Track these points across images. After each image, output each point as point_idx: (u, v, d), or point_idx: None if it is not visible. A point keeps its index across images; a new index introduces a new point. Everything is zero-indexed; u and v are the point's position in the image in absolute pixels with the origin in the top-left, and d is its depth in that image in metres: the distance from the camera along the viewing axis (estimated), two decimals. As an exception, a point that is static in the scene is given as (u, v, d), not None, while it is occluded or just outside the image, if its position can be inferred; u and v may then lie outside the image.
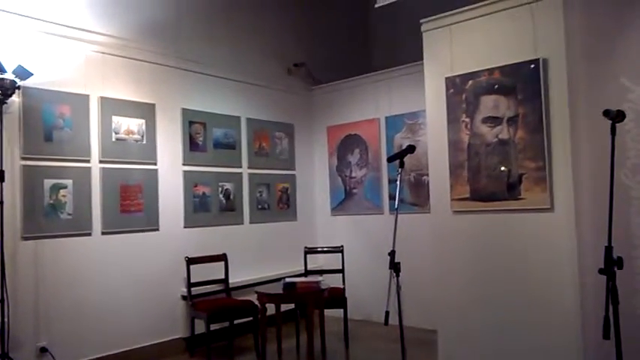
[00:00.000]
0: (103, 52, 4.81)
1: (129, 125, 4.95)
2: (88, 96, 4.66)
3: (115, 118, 4.84)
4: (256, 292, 4.63)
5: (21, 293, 4.12)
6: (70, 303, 4.41)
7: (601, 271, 2.57)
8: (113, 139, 4.82)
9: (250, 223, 6.09)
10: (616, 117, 2.70)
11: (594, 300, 3.38)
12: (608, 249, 2.56)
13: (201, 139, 5.63)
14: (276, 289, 4.63)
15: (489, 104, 4.24)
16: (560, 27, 3.89)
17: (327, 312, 4.99)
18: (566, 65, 3.86)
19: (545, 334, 3.89)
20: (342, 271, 5.49)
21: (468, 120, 4.35)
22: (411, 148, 3.41)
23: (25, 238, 4.19)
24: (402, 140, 6.05)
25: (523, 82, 4.05)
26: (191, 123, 5.54)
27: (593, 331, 3.42)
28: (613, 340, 2.52)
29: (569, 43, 3.85)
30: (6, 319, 3.84)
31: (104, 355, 4.58)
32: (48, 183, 4.35)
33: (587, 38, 3.77)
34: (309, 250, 5.72)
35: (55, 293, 4.33)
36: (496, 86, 4.18)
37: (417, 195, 5.88)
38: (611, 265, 2.54)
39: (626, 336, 2.65)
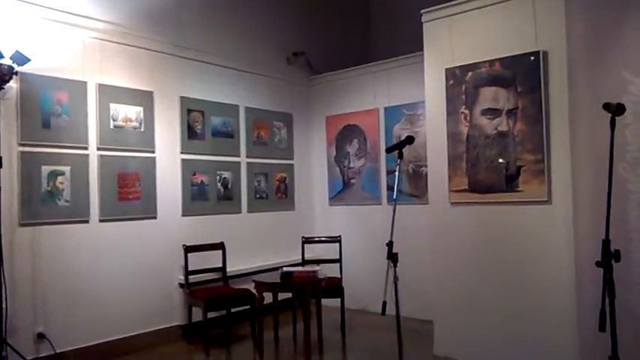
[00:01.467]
0: (101, 39, 4.78)
1: (127, 113, 4.92)
2: (85, 83, 4.64)
3: (112, 106, 4.81)
4: (254, 281, 4.62)
5: (18, 279, 4.12)
6: (67, 290, 4.41)
7: (598, 264, 2.58)
8: (111, 127, 4.80)
9: (248, 212, 6.09)
10: (616, 110, 2.70)
11: (591, 292, 3.41)
12: (606, 242, 2.57)
13: (199, 127, 5.61)
14: (274, 278, 4.62)
15: (489, 96, 4.24)
16: (560, 19, 3.88)
17: (324, 301, 5.01)
18: (567, 58, 3.86)
19: (542, 326, 3.91)
20: (339, 260, 5.51)
21: (467, 112, 4.35)
22: (409, 139, 3.40)
23: (23, 225, 4.18)
24: (400, 131, 6.04)
25: (523, 74, 4.05)
26: (189, 111, 5.52)
27: (589, 324, 3.44)
28: (609, 332, 2.54)
29: (570, 36, 3.84)
30: (3, 305, 3.84)
31: (101, 341, 4.59)
32: (46, 170, 4.33)
33: (587, 31, 3.76)
34: (307, 240, 5.73)
35: (53, 280, 4.33)
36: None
37: (416, 186, 5.89)
38: (609, 258, 2.55)
39: (622, 329, 2.67)
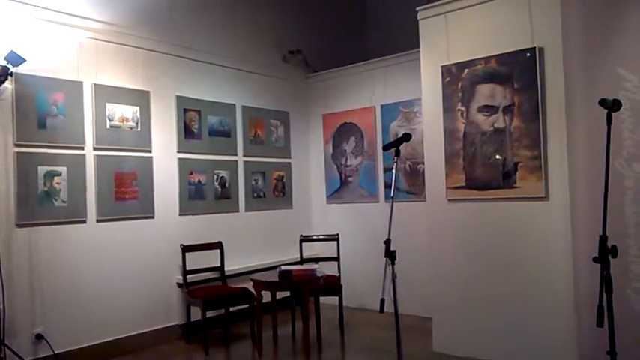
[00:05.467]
0: (96, 39, 4.76)
1: (123, 112, 4.91)
2: (81, 83, 4.62)
3: (109, 106, 4.80)
4: (252, 280, 4.64)
5: (16, 280, 4.11)
6: (65, 290, 4.40)
7: (595, 260, 2.58)
8: (107, 127, 4.79)
9: (246, 211, 6.08)
10: (612, 106, 2.71)
11: (588, 288, 3.42)
12: (603, 238, 2.58)
13: (196, 126, 5.60)
14: (272, 276, 4.64)
15: (485, 93, 4.24)
16: (556, 16, 3.89)
17: (323, 299, 5.02)
18: (563, 54, 3.86)
19: (540, 321, 3.93)
20: (337, 259, 5.51)
21: (463, 109, 4.36)
22: (406, 137, 3.39)
23: (20, 226, 4.17)
24: (397, 128, 6.04)
25: (519, 70, 4.05)
26: (186, 110, 5.51)
27: (586, 319, 3.45)
28: (606, 327, 2.54)
29: (566, 32, 3.85)
30: (1, 306, 3.84)
31: (100, 341, 4.58)
32: (42, 170, 4.32)
33: (583, 27, 3.77)
34: (305, 238, 5.73)
35: (50, 280, 4.32)
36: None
37: (413, 183, 5.89)
38: (606, 253, 2.55)
39: (620, 324, 2.68)
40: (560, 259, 3.84)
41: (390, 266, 3.07)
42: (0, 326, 3.82)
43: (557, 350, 3.83)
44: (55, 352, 4.25)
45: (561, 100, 3.87)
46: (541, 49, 3.97)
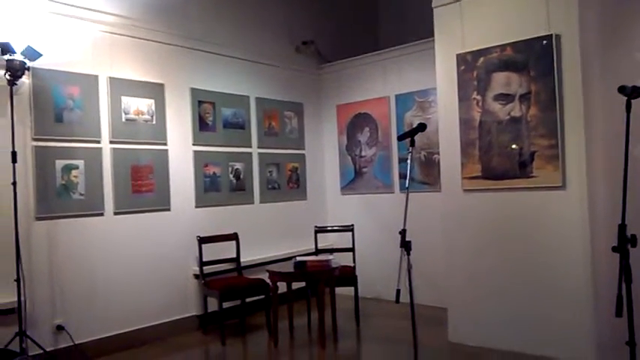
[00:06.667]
0: (111, 33, 4.79)
1: (138, 105, 4.94)
2: (97, 76, 4.66)
3: (124, 99, 4.83)
4: (267, 271, 4.66)
5: (36, 273, 4.18)
6: (84, 282, 4.47)
7: (614, 249, 2.56)
8: (123, 120, 4.82)
9: (261, 202, 6.10)
10: (632, 93, 2.67)
11: (607, 278, 3.39)
12: (622, 227, 2.55)
13: (210, 119, 5.62)
14: (288, 267, 4.66)
15: (501, 81, 4.19)
16: (573, 2, 3.82)
17: (338, 290, 5.03)
18: (580, 41, 3.80)
19: (557, 312, 3.90)
20: (352, 249, 5.51)
21: (479, 97, 4.31)
22: (421, 127, 3.38)
23: (39, 219, 4.23)
24: (412, 118, 6.00)
25: (535, 58, 3.99)
26: (200, 103, 5.52)
27: (605, 309, 3.42)
28: (626, 318, 2.52)
29: (583, 19, 3.79)
30: (22, 298, 3.91)
31: (118, 332, 4.65)
32: (60, 164, 4.37)
33: (600, 13, 3.71)
34: (320, 229, 5.73)
35: (70, 272, 4.39)
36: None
37: (428, 174, 5.86)
38: (625, 243, 2.52)
39: (639, 314, 2.65)
40: (578, 249, 3.80)
41: (406, 257, 3.07)
42: (21, 317, 3.89)
43: (575, 341, 3.80)
44: (76, 342, 4.31)
45: (579, 88, 3.81)
46: (558, 36, 3.91)
